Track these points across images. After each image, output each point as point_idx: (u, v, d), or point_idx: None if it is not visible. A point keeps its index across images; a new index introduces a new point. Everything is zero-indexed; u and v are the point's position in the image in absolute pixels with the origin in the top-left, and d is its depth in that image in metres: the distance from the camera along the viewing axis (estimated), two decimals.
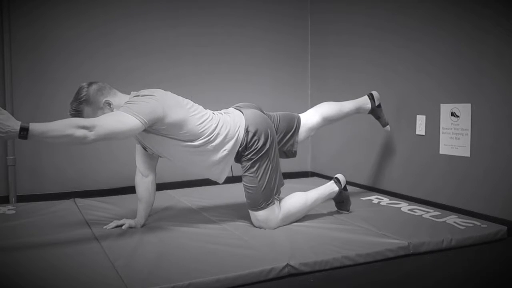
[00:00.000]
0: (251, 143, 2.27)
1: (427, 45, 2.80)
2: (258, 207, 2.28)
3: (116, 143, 3.24)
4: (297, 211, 2.40)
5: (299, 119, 2.57)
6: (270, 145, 2.30)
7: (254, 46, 3.75)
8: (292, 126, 2.53)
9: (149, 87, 2.27)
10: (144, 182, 2.37)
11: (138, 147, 2.36)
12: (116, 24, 3.30)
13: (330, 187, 2.54)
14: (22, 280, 1.67)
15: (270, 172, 2.29)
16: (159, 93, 2.14)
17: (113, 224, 2.32)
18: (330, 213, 2.58)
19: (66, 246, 2.03)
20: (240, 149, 2.28)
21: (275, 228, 2.30)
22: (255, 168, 2.27)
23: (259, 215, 2.29)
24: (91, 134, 1.85)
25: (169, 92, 2.22)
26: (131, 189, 3.25)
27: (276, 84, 3.84)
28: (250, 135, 2.27)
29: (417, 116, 2.90)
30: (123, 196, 3.11)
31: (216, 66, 3.62)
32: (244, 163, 2.30)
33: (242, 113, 2.36)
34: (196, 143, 2.19)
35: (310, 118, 2.62)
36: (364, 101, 2.84)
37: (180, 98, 2.25)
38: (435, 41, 2.74)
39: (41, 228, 2.31)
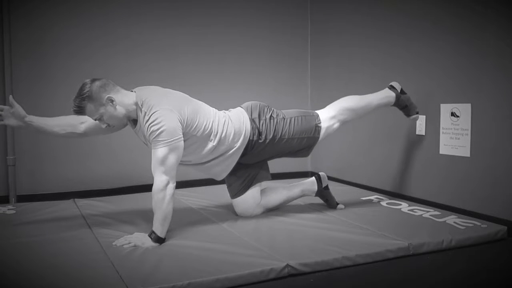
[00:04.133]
0: (262, 126, 2.37)
1: (427, 45, 2.80)
2: (317, 125, 2.53)
3: (116, 143, 3.24)
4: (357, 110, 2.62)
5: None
6: (277, 114, 2.45)
7: (254, 46, 3.75)
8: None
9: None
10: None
11: None
12: (116, 24, 3.30)
13: (387, 92, 2.67)
14: (22, 280, 1.68)
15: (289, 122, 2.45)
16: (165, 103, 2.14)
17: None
18: (331, 213, 2.58)
19: (66, 246, 2.03)
20: (254, 138, 2.35)
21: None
22: (282, 125, 2.42)
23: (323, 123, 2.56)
24: (171, 182, 2.07)
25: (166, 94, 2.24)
26: (131, 189, 3.26)
27: (276, 84, 3.84)
28: (257, 121, 2.38)
29: None
30: (123, 196, 3.11)
31: (216, 66, 3.62)
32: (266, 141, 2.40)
33: (241, 107, 2.47)
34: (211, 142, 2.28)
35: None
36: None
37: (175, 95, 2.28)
38: (435, 41, 2.74)
39: (41, 228, 2.31)
